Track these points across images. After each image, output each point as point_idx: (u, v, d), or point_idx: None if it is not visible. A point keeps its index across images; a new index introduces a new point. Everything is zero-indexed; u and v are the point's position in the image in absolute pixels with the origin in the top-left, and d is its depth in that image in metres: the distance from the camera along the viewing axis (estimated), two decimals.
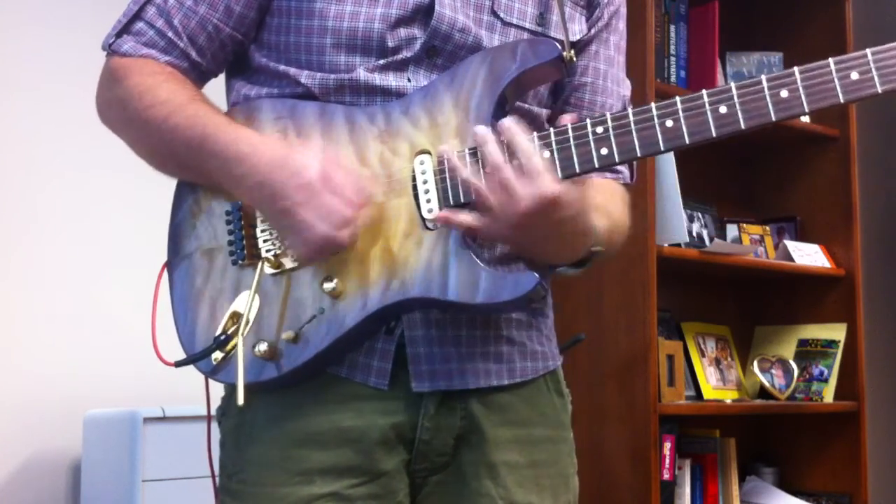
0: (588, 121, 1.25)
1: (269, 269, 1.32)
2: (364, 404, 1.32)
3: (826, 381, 3.28)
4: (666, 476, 2.87)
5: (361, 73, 1.33)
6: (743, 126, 1.23)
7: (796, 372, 3.25)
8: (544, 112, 1.45)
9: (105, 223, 2.96)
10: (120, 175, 2.78)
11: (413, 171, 1.29)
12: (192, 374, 1.36)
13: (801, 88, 1.21)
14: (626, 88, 1.54)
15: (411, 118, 1.31)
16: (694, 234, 3.13)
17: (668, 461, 2.88)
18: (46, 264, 2.87)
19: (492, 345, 1.37)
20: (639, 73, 2.80)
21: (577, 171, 1.25)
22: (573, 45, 1.44)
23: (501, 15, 1.39)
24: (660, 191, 2.87)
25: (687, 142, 1.23)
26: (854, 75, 1.20)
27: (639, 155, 1.25)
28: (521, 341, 1.41)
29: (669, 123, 1.23)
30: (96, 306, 2.92)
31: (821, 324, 3.35)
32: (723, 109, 1.22)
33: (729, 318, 3.45)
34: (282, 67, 1.37)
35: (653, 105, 1.24)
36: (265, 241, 1.32)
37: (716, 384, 3.24)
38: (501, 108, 1.32)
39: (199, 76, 1.41)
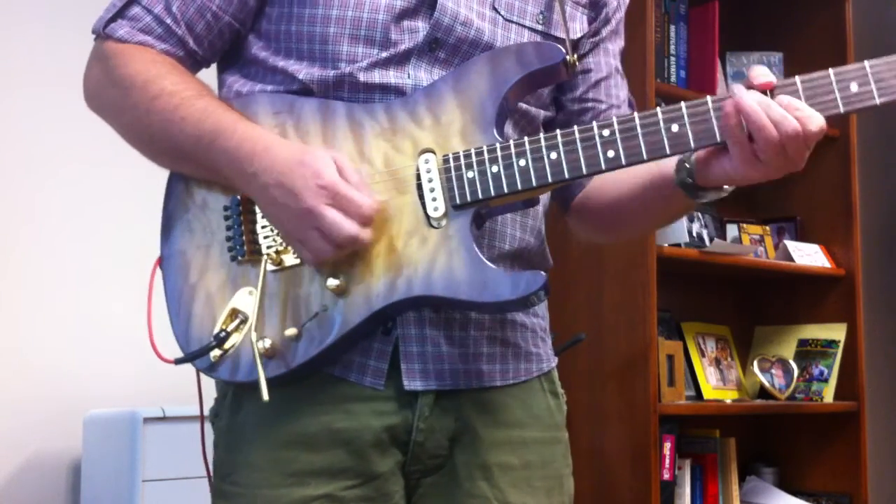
0: (594, 123, 1.26)
1: (270, 266, 1.31)
2: (357, 405, 1.31)
3: (826, 381, 3.28)
4: (666, 476, 2.87)
5: (361, 68, 1.32)
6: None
7: (796, 372, 3.25)
8: (542, 113, 1.45)
9: (105, 222, 2.96)
10: (120, 174, 2.77)
11: (417, 170, 1.29)
12: (192, 374, 1.35)
13: (802, 97, 1.22)
14: (626, 88, 1.55)
15: (414, 117, 1.31)
16: (694, 234, 3.13)
17: (668, 461, 2.88)
18: (46, 264, 2.87)
19: (485, 346, 1.37)
20: (639, 73, 2.80)
21: (584, 172, 1.26)
22: (575, 44, 1.44)
23: (502, 12, 1.39)
24: None
25: (692, 146, 1.25)
26: (854, 87, 1.22)
27: (646, 159, 1.26)
28: (516, 342, 1.41)
29: (675, 128, 1.25)
30: (96, 306, 2.91)
31: (821, 324, 3.35)
32: None
33: (729, 318, 3.44)
34: (280, 63, 1.35)
35: (658, 110, 1.25)
36: (265, 237, 1.31)
37: (716, 384, 3.24)
38: (504, 109, 1.32)
39: (193, 65, 1.39)
